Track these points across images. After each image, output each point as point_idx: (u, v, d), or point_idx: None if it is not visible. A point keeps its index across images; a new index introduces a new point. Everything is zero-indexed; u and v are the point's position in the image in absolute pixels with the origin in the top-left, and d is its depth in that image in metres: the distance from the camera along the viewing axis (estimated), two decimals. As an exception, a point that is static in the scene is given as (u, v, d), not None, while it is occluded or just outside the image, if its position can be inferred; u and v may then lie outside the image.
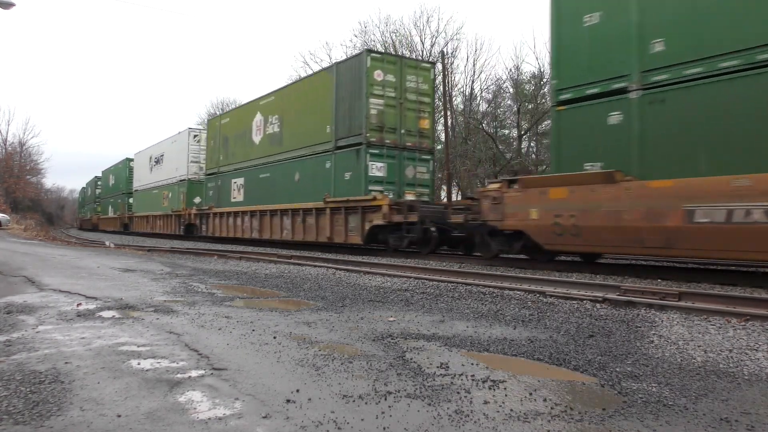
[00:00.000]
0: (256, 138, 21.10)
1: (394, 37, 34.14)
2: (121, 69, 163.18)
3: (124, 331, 4.38)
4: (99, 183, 51.52)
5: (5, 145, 61.60)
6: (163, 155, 32.28)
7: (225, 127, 24.08)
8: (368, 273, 9.47)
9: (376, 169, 15.39)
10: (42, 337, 4.10)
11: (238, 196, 22.26)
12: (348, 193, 15.73)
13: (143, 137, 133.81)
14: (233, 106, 49.30)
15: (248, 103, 22.86)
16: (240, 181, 22.17)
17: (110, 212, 44.99)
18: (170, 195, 30.26)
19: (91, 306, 5.61)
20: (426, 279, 8.47)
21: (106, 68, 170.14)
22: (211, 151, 25.37)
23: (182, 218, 27.96)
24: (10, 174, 58.34)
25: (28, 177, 63.30)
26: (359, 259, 12.75)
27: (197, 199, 27.23)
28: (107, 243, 21.92)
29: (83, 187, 64.45)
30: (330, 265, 11.11)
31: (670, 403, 2.92)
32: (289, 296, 6.98)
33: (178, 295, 6.69)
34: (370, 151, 15.29)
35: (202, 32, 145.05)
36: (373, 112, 15.36)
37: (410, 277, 8.74)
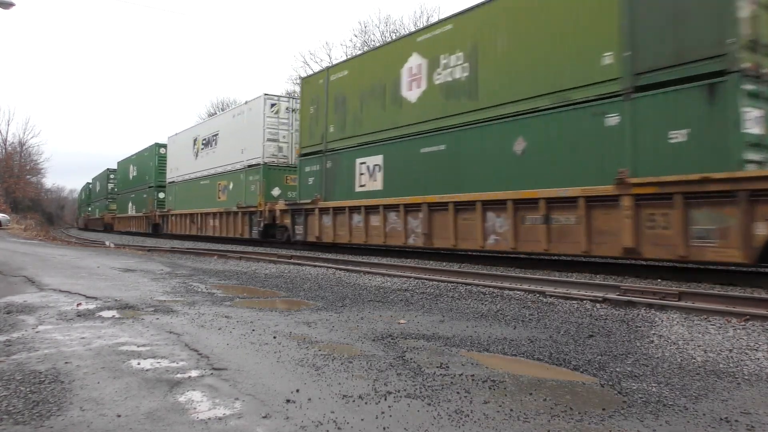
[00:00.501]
0: (411, 93, 13.58)
1: (394, 38, 34.14)
2: (121, 69, 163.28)
3: (124, 331, 4.38)
4: (112, 176, 44.69)
5: (5, 145, 61.77)
6: (217, 135, 24.69)
7: (339, 85, 16.24)
8: (368, 273, 9.47)
9: (753, 120, 8.07)
10: (42, 337, 4.10)
11: (369, 183, 14.80)
12: (680, 167, 8.32)
13: (144, 137, 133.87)
14: (234, 105, 45.45)
15: (388, 44, 15.73)
16: (374, 160, 14.61)
17: (131, 210, 37.54)
18: (231, 186, 22.74)
19: (91, 306, 5.61)
20: (426, 279, 8.47)
21: (106, 68, 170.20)
22: (310, 122, 17.48)
23: (257, 216, 20.39)
24: (10, 174, 58.42)
25: (28, 177, 63.41)
26: (359, 259, 12.74)
27: (276, 191, 20.32)
28: (107, 243, 21.92)
29: (88, 183, 57.89)
30: (330, 265, 11.11)
31: (670, 403, 2.92)
32: (289, 296, 6.98)
33: (178, 295, 6.69)
34: (744, 86, 7.90)
35: (202, 32, 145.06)
36: (744, 14, 8.06)
37: (410, 277, 8.74)
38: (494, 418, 2.61)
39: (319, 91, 17.12)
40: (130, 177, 38.34)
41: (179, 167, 28.96)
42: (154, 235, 31.12)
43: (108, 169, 46.24)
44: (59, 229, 51.78)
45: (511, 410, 2.73)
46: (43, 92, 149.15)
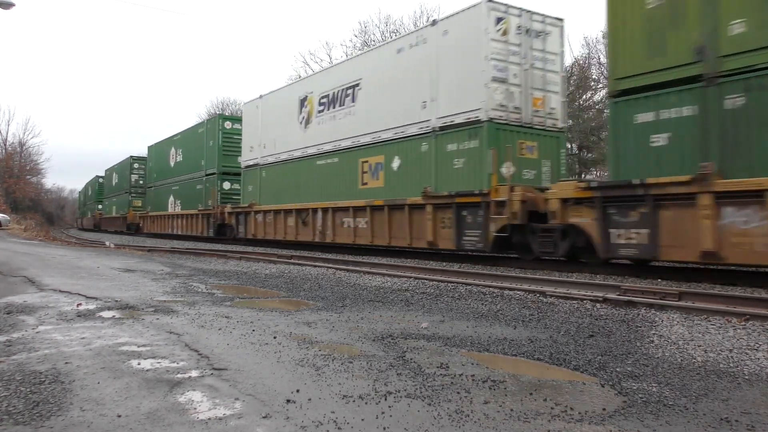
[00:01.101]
0: None
1: (393, 38, 34.15)
2: (121, 69, 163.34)
3: (124, 331, 4.38)
4: (137, 166, 36.60)
5: (5, 145, 61.77)
6: (357, 86, 15.72)
7: None
8: (368, 273, 9.46)
9: None
10: (42, 338, 4.10)
11: None
12: None
13: (145, 136, 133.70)
14: (233, 107, 41.58)
15: None
16: None
17: (173, 206, 28.29)
18: (397, 163, 14.05)
19: (91, 306, 5.61)
20: (426, 279, 8.47)
21: (106, 68, 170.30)
22: (648, 26, 8.58)
23: (479, 212, 11.43)
24: (10, 174, 58.44)
25: (28, 177, 63.40)
26: (359, 259, 12.73)
27: (506, 168, 11.55)
28: (107, 243, 21.94)
29: (98, 176, 49.72)
30: (330, 265, 11.11)
31: (670, 402, 2.92)
32: (290, 296, 6.98)
33: (178, 295, 6.69)
34: None
35: (202, 32, 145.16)
36: None
37: (410, 277, 8.74)
38: (494, 418, 2.61)
39: None
40: (171, 164, 29.02)
41: (269, 143, 20.08)
42: (226, 241, 21.74)
43: (132, 156, 37.66)
44: (59, 230, 51.72)
45: (512, 410, 2.73)
46: (43, 92, 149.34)
